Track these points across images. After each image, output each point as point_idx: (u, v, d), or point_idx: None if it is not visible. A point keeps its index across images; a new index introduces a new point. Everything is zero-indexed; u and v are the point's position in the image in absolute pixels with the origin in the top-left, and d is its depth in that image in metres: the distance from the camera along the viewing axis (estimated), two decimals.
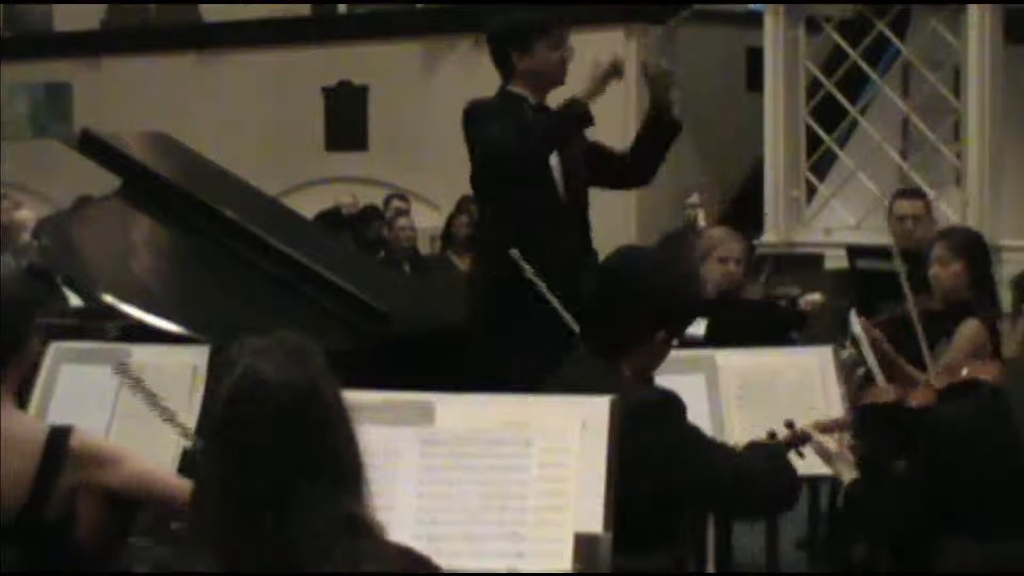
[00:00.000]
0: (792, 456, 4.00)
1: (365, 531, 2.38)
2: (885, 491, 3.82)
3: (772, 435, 4.05)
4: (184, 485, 3.65)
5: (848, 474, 3.88)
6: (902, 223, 7.04)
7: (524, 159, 5.48)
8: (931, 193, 9.71)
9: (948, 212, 11.15)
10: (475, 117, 5.61)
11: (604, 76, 5.50)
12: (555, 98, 5.63)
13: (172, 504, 3.65)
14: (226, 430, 2.37)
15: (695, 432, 3.64)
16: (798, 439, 4.04)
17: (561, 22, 5.63)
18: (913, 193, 7.62)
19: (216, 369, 2.46)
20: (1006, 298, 5.23)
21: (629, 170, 5.85)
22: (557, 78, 5.61)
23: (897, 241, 6.92)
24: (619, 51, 5.45)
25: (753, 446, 3.87)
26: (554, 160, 5.57)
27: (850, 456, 3.93)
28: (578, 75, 5.66)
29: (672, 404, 3.57)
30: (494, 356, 5.38)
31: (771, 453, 3.86)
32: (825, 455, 3.97)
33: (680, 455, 3.53)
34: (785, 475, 3.77)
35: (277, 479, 2.34)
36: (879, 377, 5.36)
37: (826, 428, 4.06)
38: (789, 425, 4.06)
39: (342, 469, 2.38)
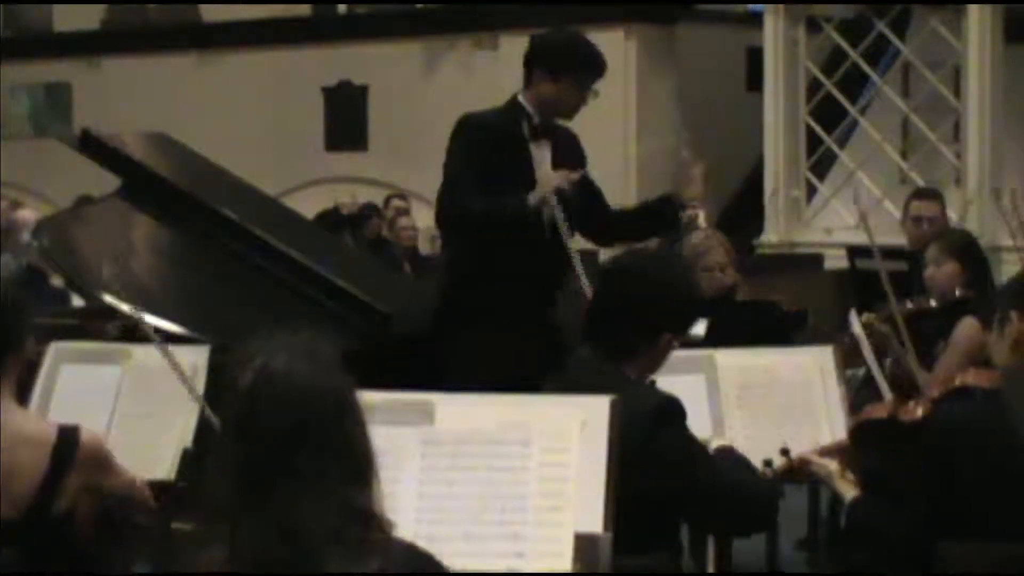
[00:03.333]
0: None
1: (375, 525, 2.43)
2: (886, 508, 3.80)
3: (767, 463, 4.04)
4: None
5: (849, 493, 3.87)
6: (917, 224, 6.89)
7: (464, 224, 5.46)
8: None
9: (948, 212, 11.14)
10: (458, 138, 5.48)
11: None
12: None
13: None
14: (242, 421, 2.43)
15: (696, 440, 3.65)
16: (795, 466, 4.04)
17: (600, 71, 5.43)
18: (930, 194, 7.42)
19: (229, 366, 2.51)
20: None
21: (599, 227, 5.66)
22: (566, 115, 5.48)
23: (910, 242, 6.87)
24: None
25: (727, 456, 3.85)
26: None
27: (851, 476, 3.91)
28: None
29: (680, 410, 3.58)
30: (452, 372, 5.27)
31: (747, 465, 3.84)
32: (826, 476, 3.96)
33: (691, 462, 3.55)
34: (764, 491, 3.78)
35: (289, 463, 2.38)
36: (879, 377, 5.36)
37: (826, 452, 4.03)
38: (784, 452, 4.05)
39: (354, 462, 2.44)
